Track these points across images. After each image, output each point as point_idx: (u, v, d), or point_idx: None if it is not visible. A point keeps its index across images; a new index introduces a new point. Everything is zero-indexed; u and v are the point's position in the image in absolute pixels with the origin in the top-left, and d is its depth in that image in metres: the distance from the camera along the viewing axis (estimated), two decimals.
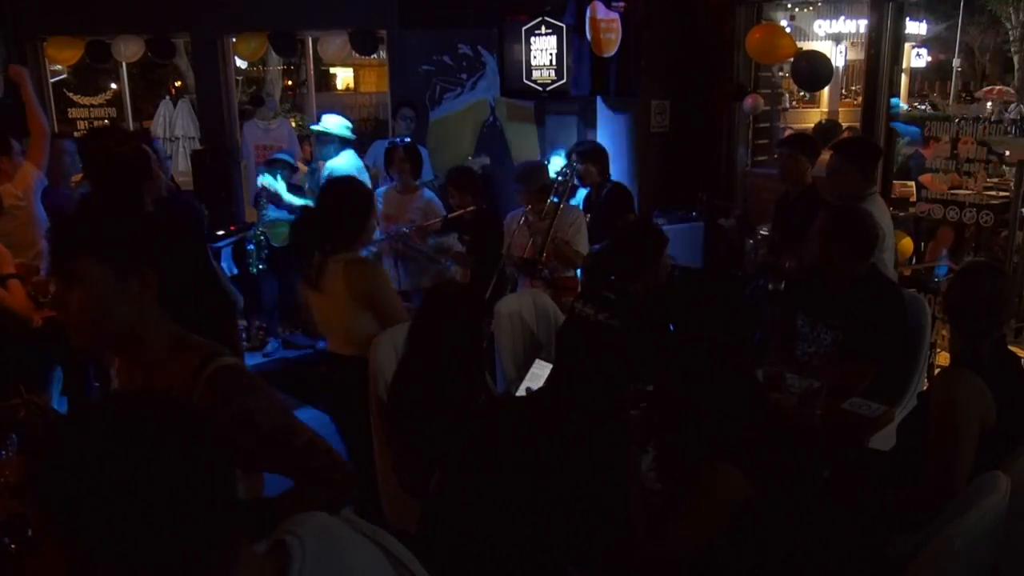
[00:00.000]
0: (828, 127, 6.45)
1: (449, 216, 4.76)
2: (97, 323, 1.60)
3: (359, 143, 5.83)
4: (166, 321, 1.70)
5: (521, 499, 2.07)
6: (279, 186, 5.81)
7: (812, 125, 7.35)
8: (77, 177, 4.69)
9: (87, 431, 0.97)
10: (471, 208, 4.69)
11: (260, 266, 5.92)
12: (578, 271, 4.31)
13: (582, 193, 5.10)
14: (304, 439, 1.72)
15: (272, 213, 5.88)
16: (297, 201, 5.79)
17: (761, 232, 4.53)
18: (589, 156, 4.78)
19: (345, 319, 3.07)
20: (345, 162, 5.42)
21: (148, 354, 1.67)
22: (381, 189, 5.13)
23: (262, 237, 5.90)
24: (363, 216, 3.10)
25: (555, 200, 4.24)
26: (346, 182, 3.43)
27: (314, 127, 5.69)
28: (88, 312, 1.58)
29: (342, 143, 5.43)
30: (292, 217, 5.83)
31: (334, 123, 5.48)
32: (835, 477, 2.71)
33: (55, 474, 0.95)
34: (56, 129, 7.98)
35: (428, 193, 5.07)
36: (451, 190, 4.79)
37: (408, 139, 5.71)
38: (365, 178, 5.55)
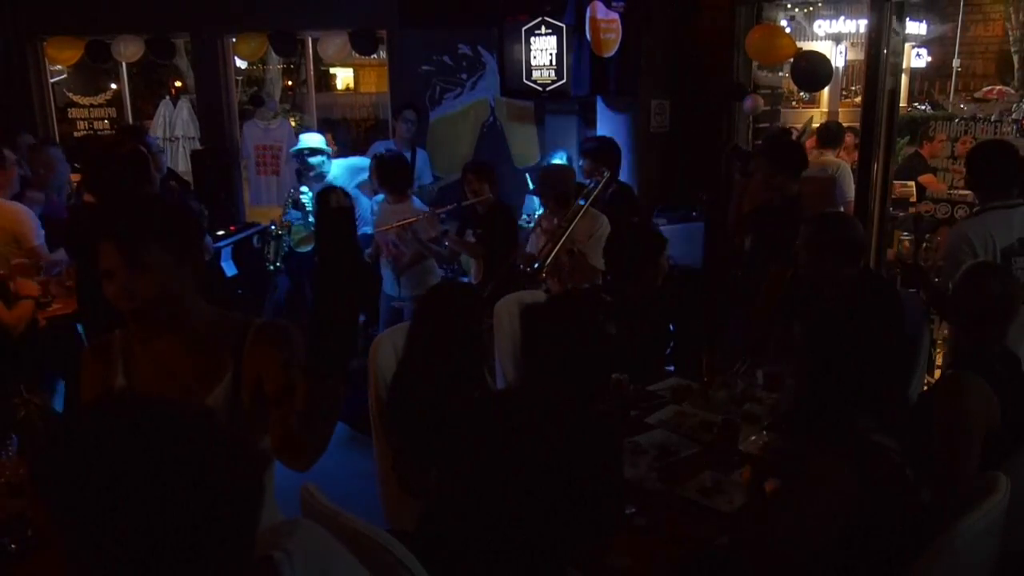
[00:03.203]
0: (832, 128, 6.42)
1: (464, 203, 4.73)
2: (160, 301, 1.76)
3: (357, 143, 5.80)
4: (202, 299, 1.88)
5: (520, 498, 2.06)
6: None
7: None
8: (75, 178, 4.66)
9: (102, 428, 0.89)
10: (486, 197, 4.65)
11: (277, 264, 5.85)
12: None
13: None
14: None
15: (295, 216, 5.86)
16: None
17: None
18: (598, 155, 4.73)
19: None
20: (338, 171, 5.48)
21: (194, 327, 1.83)
22: (378, 198, 5.09)
23: (283, 233, 5.78)
24: None
25: (581, 202, 4.07)
26: None
27: (302, 146, 5.59)
28: (153, 293, 1.75)
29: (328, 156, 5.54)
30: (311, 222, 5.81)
31: (317, 139, 5.58)
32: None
33: (61, 468, 0.87)
34: (56, 130, 7.99)
35: (416, 202, 4.97)
36: (469, 176, 4.70)
37: (393, 146, 5.71)
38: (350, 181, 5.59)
